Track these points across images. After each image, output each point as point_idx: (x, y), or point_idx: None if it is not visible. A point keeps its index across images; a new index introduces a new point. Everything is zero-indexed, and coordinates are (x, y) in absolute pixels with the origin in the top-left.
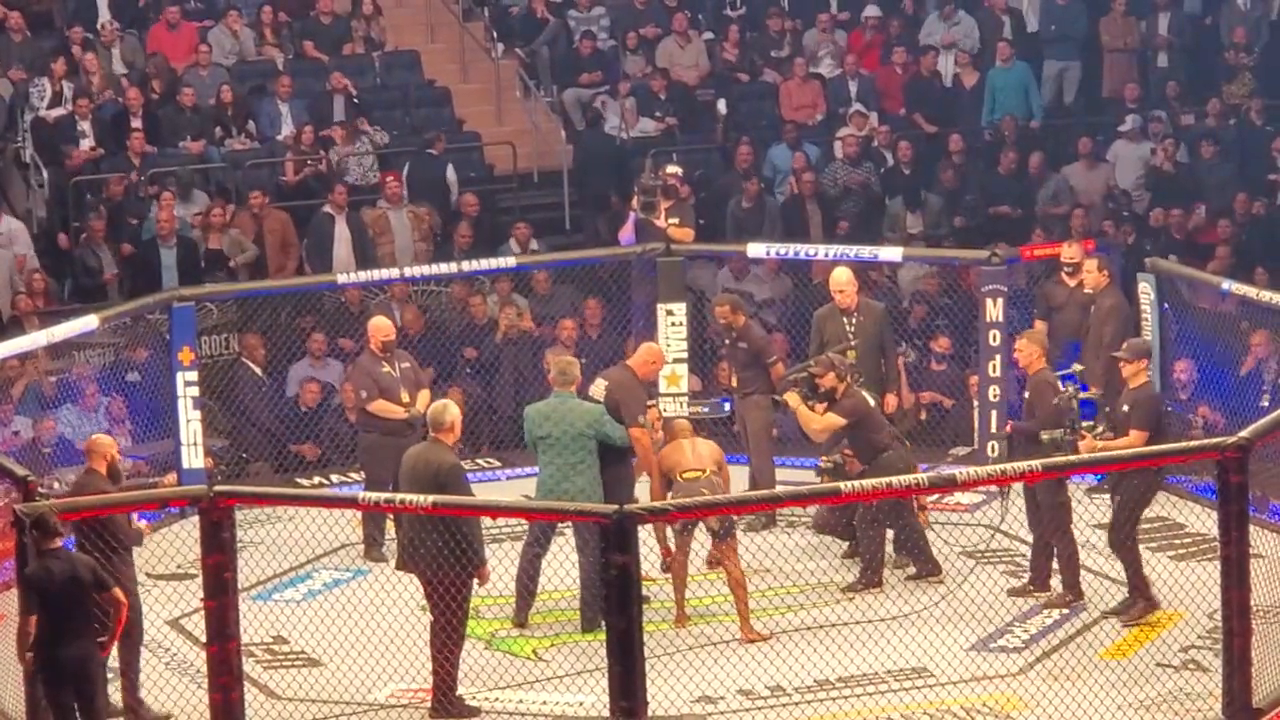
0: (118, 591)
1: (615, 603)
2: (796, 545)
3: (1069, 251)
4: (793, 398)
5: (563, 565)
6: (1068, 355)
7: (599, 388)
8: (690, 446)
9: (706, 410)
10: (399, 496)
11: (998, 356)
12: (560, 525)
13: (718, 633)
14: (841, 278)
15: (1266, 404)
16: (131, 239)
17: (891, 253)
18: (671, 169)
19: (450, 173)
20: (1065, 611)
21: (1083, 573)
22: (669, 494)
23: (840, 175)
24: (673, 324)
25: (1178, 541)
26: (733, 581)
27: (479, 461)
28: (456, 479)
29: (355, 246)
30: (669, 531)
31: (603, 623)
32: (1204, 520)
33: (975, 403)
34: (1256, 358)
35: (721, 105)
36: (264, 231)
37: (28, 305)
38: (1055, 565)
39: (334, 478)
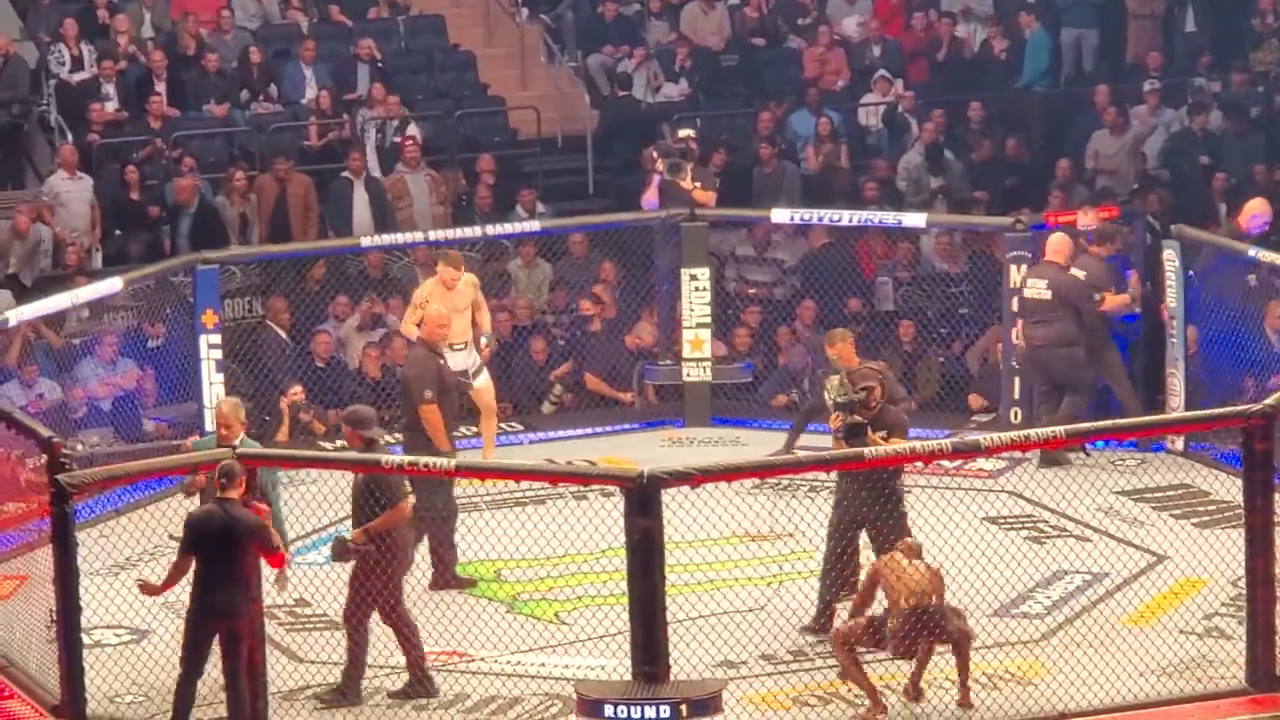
0: (281, 550)
1: (638, 567)
2: (821, 510)
3: (1085, 219)
4: (877, 440)
5: (585, 529)
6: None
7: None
8: (913, 570)
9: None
10: (422, 460)
11: (1020, 323)
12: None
13: (740, 599)
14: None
15: None
16: (157, 202)
17: (915, 219)
18: (684, 132)
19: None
20: (1088, 577)
21: (1105, 540)
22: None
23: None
24: (696, 289)
25: (1201, 509)
26: None
27: (501, 425)
28: None
29: (375, 210)
30: None
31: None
32: (1228, 488)
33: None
34: (1273, 329)
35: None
36: (287, 196)
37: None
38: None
39: None
